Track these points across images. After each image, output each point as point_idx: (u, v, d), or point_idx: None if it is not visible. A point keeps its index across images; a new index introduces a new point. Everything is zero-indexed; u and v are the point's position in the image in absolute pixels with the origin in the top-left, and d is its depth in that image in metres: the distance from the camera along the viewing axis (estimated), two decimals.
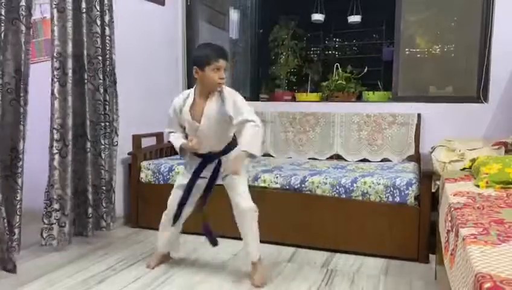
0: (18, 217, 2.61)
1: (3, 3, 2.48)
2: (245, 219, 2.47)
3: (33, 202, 3.03)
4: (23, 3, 2.55)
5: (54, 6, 2.81)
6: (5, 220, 2.45)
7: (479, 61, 3.63)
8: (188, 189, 2.51)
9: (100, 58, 3.10)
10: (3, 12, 2.48)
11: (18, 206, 2.61)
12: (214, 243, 2.59)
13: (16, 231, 2.61)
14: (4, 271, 2.52)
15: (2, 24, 2.49)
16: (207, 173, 2.51)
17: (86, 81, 3.02)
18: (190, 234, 3.24)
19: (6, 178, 2.60)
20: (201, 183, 2.54)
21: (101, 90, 3.13)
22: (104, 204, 3.20)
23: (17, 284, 2.43)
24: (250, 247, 2.52)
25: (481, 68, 3.61)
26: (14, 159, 2.62)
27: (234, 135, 2.52)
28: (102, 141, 3.16)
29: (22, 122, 2.62)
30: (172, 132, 2.57)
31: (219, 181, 2.52)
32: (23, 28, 2.56)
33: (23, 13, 2.56)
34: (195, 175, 2.50)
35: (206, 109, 2.37)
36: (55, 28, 2.83)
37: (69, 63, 2.89)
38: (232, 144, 2.50)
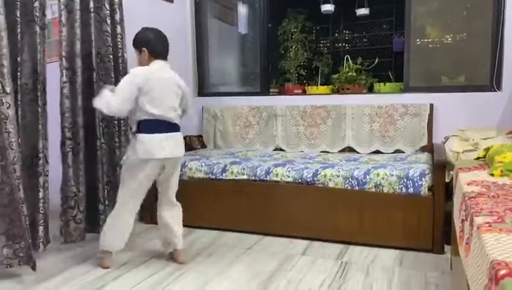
0: (41, 215, 2.66)
1: (18, 6, 2.51)
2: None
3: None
4: (37, 4, 2.58)
5: (62, 7, 2.83)
6: (27, 218, 2.48)
7: (492, 50, 3.58)
8: None
9: (111, 56, 3.12)
10: (18, 14, 2.51)
11: (41, 205, 2.65)
12: None
13: (40, 228, 2.66)
14: (24, 268, 2.56)
15: (18, 26, 2.52)
16: None
17: (95, 80, 3.02)
18: (204, 229, 3.27)
19: (29, 177, 2.64)
20: None
21: None
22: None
23: (34, 281, 2.47)
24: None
25: (494, 56, 3.56)
26: (35, 158, 2.66)
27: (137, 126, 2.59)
28: (117, 140, 3.17)
29: (41, 122, 2.65)
30: None
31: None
32: (37, 29, 2.60)
33: (38, 14, 2.59)
34: None
35: None
36: (64, 29, 2.85)
37: (78, 63, 2.91)
38: (137, 130, 2.57)
